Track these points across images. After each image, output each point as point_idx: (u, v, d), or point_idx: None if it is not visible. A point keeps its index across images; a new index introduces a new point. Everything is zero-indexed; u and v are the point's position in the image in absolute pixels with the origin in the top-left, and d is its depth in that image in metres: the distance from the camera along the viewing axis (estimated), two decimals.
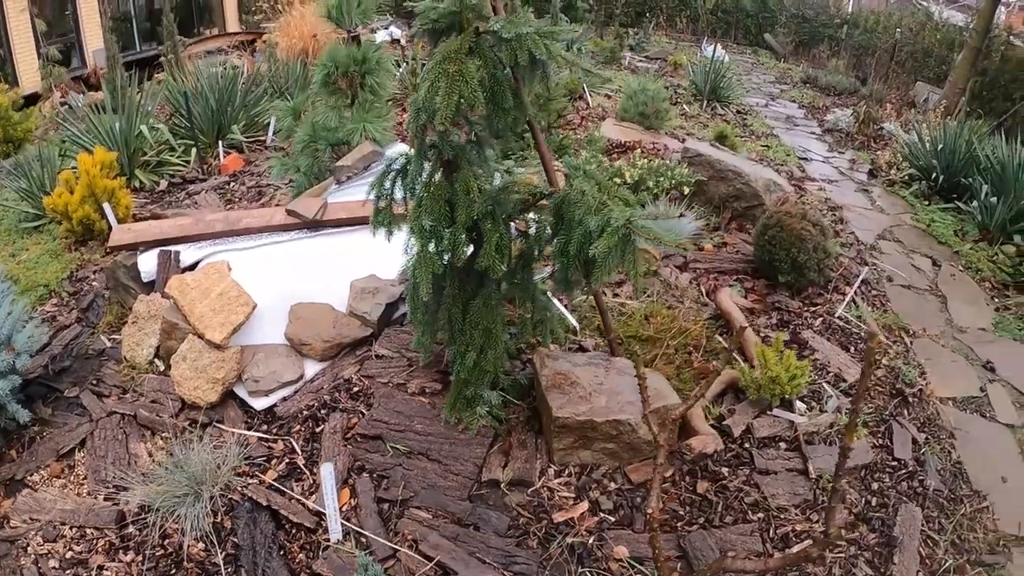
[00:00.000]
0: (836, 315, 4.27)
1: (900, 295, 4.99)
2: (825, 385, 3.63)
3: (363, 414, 2.99)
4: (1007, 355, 4.59)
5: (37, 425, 3.08)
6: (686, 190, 4.74)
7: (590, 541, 2.51)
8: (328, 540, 2.53)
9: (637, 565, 2.46)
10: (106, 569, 2.53)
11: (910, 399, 3.75)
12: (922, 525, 2.93)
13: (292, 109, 4.44)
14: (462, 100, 2.21)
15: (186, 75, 6.08)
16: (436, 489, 2.66)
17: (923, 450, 3.41)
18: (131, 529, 2.66)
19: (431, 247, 2.52)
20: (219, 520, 2.66)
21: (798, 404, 3.37)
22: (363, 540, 2.52)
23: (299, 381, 3.19)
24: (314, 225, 3.59)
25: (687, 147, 5.23)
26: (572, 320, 3.41)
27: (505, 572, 2.38)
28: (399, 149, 4.77)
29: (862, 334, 4.19)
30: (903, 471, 3.24)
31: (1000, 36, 10.17)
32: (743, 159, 5.58)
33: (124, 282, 3.54)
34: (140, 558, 2.56)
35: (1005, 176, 6.00)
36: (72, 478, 2.91)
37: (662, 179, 4.80)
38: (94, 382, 3.31)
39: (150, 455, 2.97)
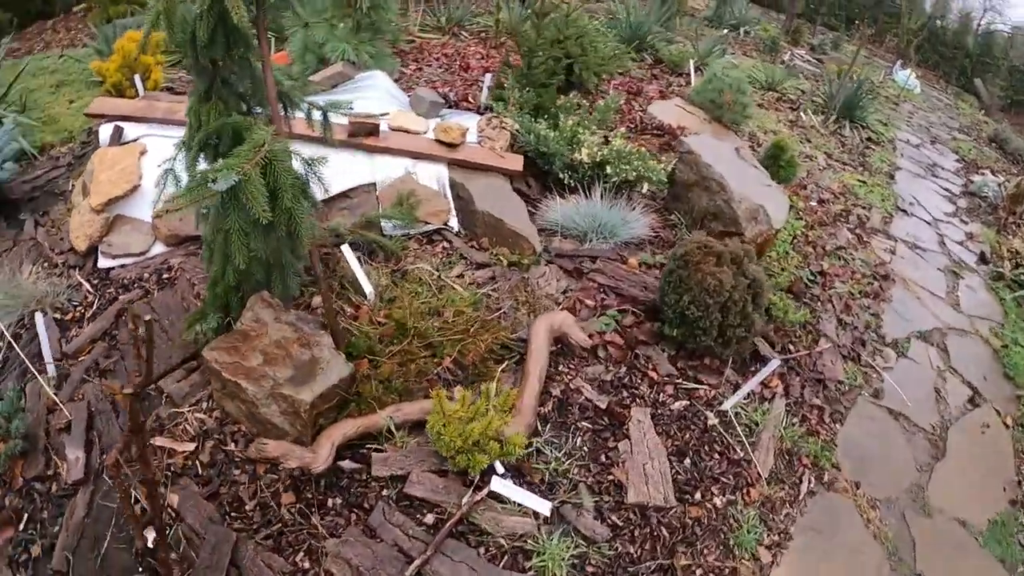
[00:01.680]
0: (720, 407, 3.43)
1: (873, 421, 3.78)
2: (583, 489, 2.84)
3: (154, 296, 3.44)
4: None
5: None
6: (645, 187, 4.03)
7: (164, 474, 2.67)
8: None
9: (177, 514, 2.59)
10: None
11: None
12: None
13: (304, 21, 4.84)
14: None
15: None
16: (131, 371, 3.02)
17: None
18: None
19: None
20: (18, 330, 3.37)
21: (498, 482, 2.64)
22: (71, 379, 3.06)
23: (142, 256, 3.72)
24: None
25: (684, 139, 4.39)
26: (367, 286, 3.41)
27: (93, 456, 2.75)
28: (371, 75, 4.95)
29: (734, 445, 3.30)
30: None
31: None
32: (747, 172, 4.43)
33: (98, 145, 4.39)
34: None
35: None
36: None
37: (627, 167, 4.20)
38: (41, 213, 4.22)
39: (28, 274, 3.79)
